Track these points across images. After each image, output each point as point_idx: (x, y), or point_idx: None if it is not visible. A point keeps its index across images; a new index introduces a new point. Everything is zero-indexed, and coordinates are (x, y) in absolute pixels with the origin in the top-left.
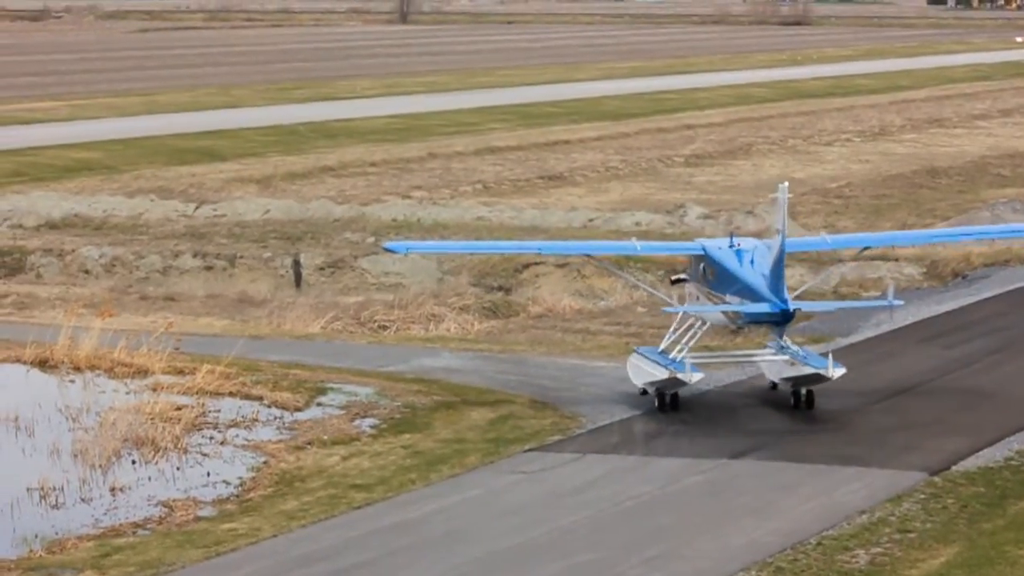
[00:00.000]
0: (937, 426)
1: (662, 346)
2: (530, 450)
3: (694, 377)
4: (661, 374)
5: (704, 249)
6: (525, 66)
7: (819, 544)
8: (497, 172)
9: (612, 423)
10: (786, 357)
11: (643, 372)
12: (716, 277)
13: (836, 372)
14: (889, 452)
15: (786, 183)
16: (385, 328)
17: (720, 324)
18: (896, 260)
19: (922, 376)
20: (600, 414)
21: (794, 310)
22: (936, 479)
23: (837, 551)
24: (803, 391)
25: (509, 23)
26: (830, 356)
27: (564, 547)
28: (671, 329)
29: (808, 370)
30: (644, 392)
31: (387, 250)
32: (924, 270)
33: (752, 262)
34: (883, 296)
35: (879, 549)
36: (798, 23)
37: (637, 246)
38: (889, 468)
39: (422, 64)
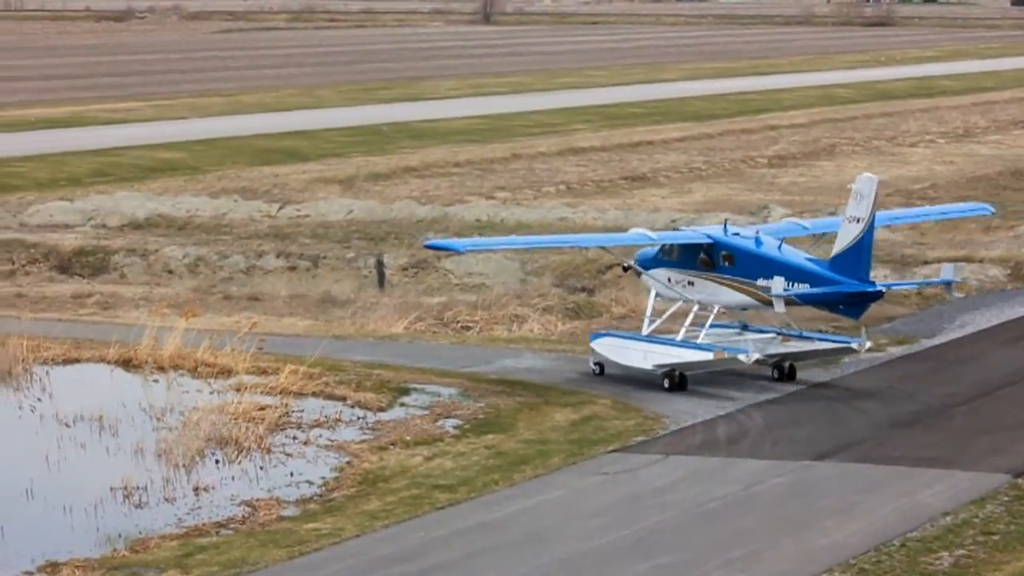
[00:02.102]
0: (1021, 429)
1: (647, 330)
2: (613, 451)
3: (753, 357)
4: (690, 356)
5: (712, 237)
6: (609, 66)
7: (903, 546)
8: (580, 173)
9: (695, 424)
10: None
11: (635, 355)
12: (738, 263)
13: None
14: (972, 454)
15: (867, 174)
16: (468, 329)
17: (730, 308)
18: (980, 262)
19: (1006, 378)
20: (683, 415)
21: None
22: (1020, 481)
23: (920, 553)
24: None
25: (593, 23)
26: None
27: (647, 548)
28: (647, 314)
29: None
30: (599, 372)
31: (429, 247)
32: (1008, 271)
33: (779, 248)
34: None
35: (963, 551)
36: (882, 24)
37: (653, 236)
38: (972, 470)
39: (506, 64)
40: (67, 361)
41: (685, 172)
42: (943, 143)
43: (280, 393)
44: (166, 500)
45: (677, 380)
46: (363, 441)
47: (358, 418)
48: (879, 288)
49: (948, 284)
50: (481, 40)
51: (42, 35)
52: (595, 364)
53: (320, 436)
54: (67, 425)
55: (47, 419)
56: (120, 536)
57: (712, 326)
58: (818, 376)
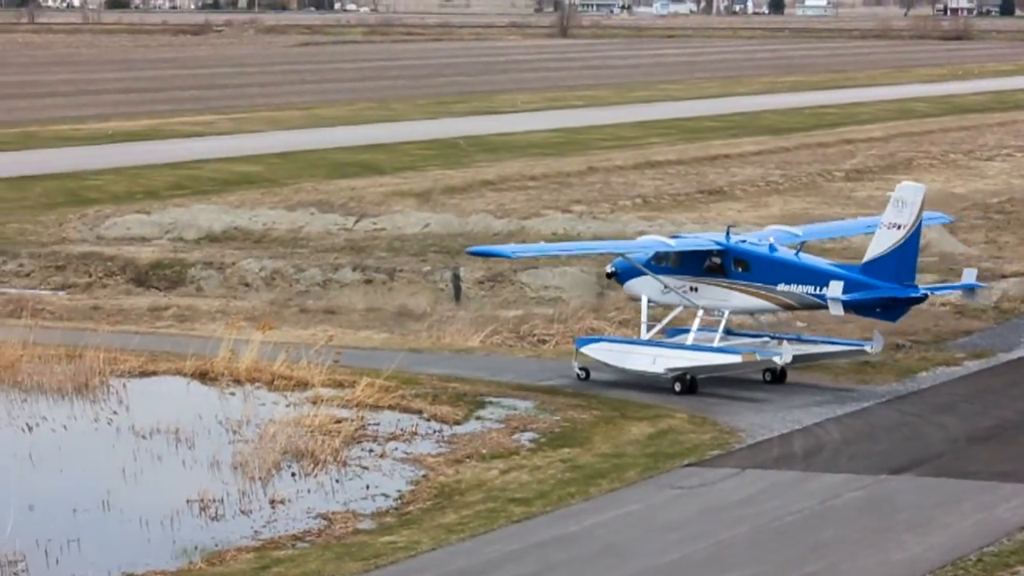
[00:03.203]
0: None
1: (648, 335)
2: (689, 465)
3: (787, 359)
4: (715, 360)
5: (724, 244)
6: (685, 80)
7: (979, 560)
8: (657, 186)
9: (771, 438)
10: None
11: (643, 359)
12: (754, 269)
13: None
14: None
15: (910, 183)
16: (544, 342)
17: (742, 313)
18: None
19: None
20: (759, 429)
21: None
22: None
23: (998, 568)
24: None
25: (668, 37)
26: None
27: (723, 562)
28: (643, 317)
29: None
30: (584, 377)
31: (471, 254)
32: None
33: (798, 254)
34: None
35: None
36: (959, 38)
37: (672, 243)
38: None
39: (582, 78)
40: (144, 374)
41: (762, 186)
42: (1020, 157)
43: (356, 406)
44: (242, 513)
45: (688, 384)
46: (439, 454)
47: (434, 431)
48: (923, 292)
49: (971, 289)
50: (557, 54)
51: (120, 49)
52: (580, 369)
53: (396, 449)
54: (143, 437)
55: (123, 431)
56: (196, 549)
57: (685, 331)
58: (895, 390)
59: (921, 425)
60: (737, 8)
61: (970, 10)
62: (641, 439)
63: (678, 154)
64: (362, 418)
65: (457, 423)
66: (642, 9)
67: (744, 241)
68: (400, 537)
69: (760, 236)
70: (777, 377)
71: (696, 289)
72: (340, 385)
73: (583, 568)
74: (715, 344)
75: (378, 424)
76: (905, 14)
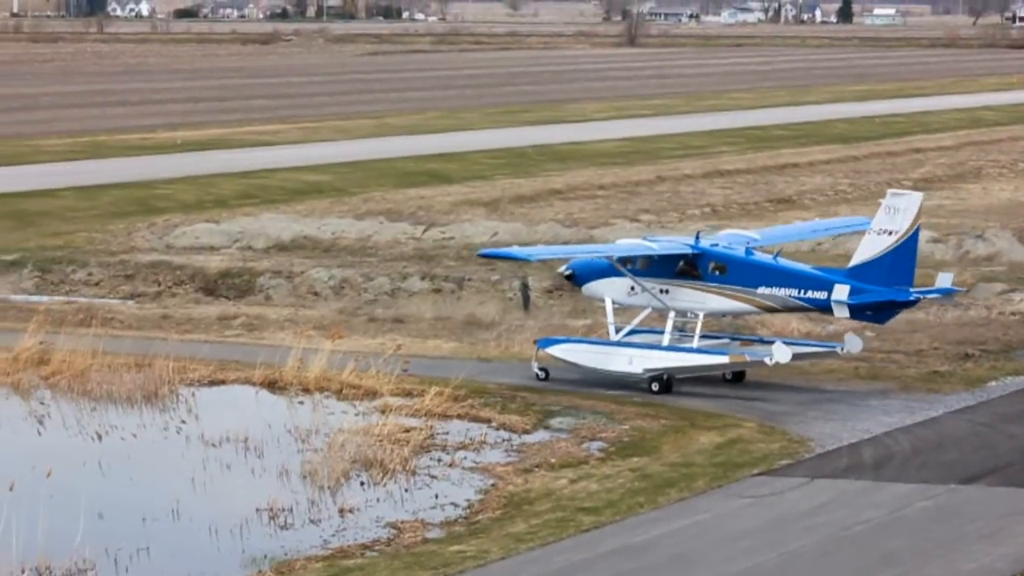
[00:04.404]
0: None
1: (619, 335)
2: (758, 474)
3: (781, 359)
4: (701, 360)
5: (700, 248)
6: (753, 89)
7: None
8: (726, 195)
9: (840, 447)
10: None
11: (619, 360)
12: (731, 272)
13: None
14: None
15: (906, 191)
16: None
17: (718, 315)
18: None
19: None
20: (828, 438)
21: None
22: None
23: None
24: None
25: (737, 46)
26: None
27: (791, 572)
28: (609, 319)
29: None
30: (544, 377)
31: (482, 256)
32: None
33: (776, 257)
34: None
35: None
36: None
37: (654, 246)
38: None
39: (650, 87)
40: (213, 382)
41: (831, 195)
42: None
43: (425, 415)
44: (311, 522)
45: (665, 383)
46: (508, 463)
47: (503, 440)
48: (916, 296)
49: (949, 293)
50: (626, 62)
51: (189, 58)
52: (540, 369)
53: (465, 458)
54: (213, 446)
55: (193, 440)
56: (266, 557)
57: (644, 331)
58: (964, 400)
59: (991, 435)
60: (805, 17)
61: None
62: (710, 448)
63: (747, 163)
64: (431, 427)
65: (526, 432)
66: (710, 18)
67: (716, 245)
68: (469, 546)
69: (716, 240)
70: (736, 376)
71: (667, 291)
72: (409, 394)
73: None
74: (695, 344)
75: (447, 433)
76: (974, 23)
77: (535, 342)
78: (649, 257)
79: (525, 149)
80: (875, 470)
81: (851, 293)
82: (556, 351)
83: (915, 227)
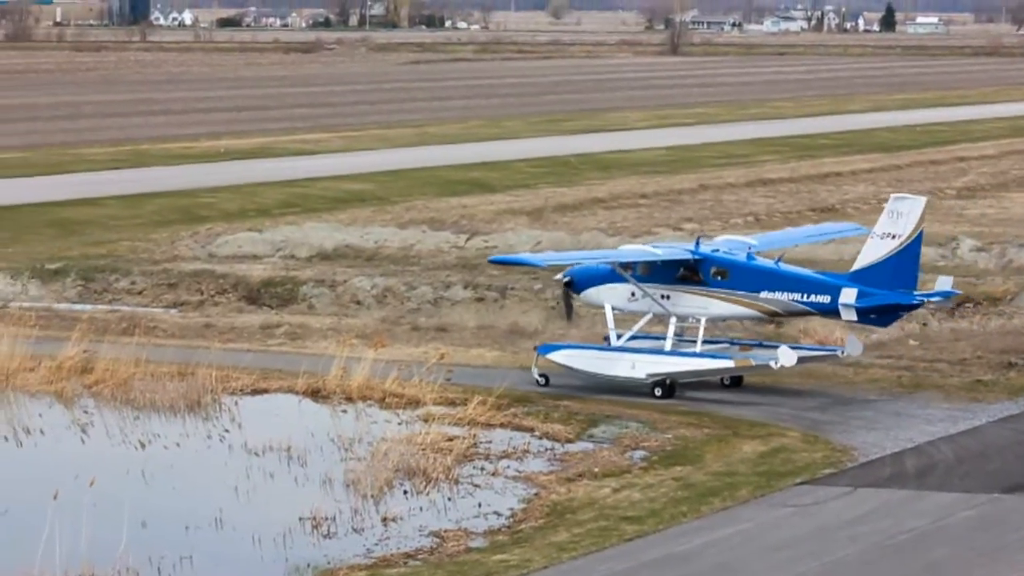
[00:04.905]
0: None
1: (620, 341)
2: (801, 483)
3: (787, 363)
4: (706, 365)
5: (702, 253)
6: (796, 97)
7: None
8: (768, 204)
9: (883, 456)
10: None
11: (622, 365)
12: (733, 277)
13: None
14: None
15: (909, 195)
16: None
17: (719, 320)
18: None
19: None
20: (871, 447)
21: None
22: None
23: None
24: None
25: (780, 54)
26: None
27: None
28: (610, 324)
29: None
30: (544, 383)
31: (492, 262)
32: None
33: (778, 262)
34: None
35: None
36: None
37: (659, 252)
38: None
39: (692, 96)
40: (256, 391)
41: (874, 203)
42: None
43: (468, 424)
44: (354, 530)
45: (668, 388)
46: (551, 472)
47: (546, 449)
48: (920, 300)
49: (948, 296)
50: (668, 71)
51: (232, 67)
52: (540, 375)
53: (508, 467)
54: (256, 455)
55: (236, 449)
56: (309, 566)
57: (642, 336)
58: (1007, 409)
59: None
60: (848, 26)
61: None
62: (753, 457)
63: (790, 172)
64: (474, 436)
65: (569, 441)
66: (753, 27)
67: (718, 251)
68: (512, 555)
69: (714, 245)
70: (734, 381)
71: (668, 297)
72: (452, 403)
73: None
74: (699, 349)
75: (490, 442)
76: (1017, 31)
77: (535, 348)
78: (649, 263)
79: (568, 158)
80: (918, 479)
81: (858, 297)
82: (558, 357)
83: (919, 231)
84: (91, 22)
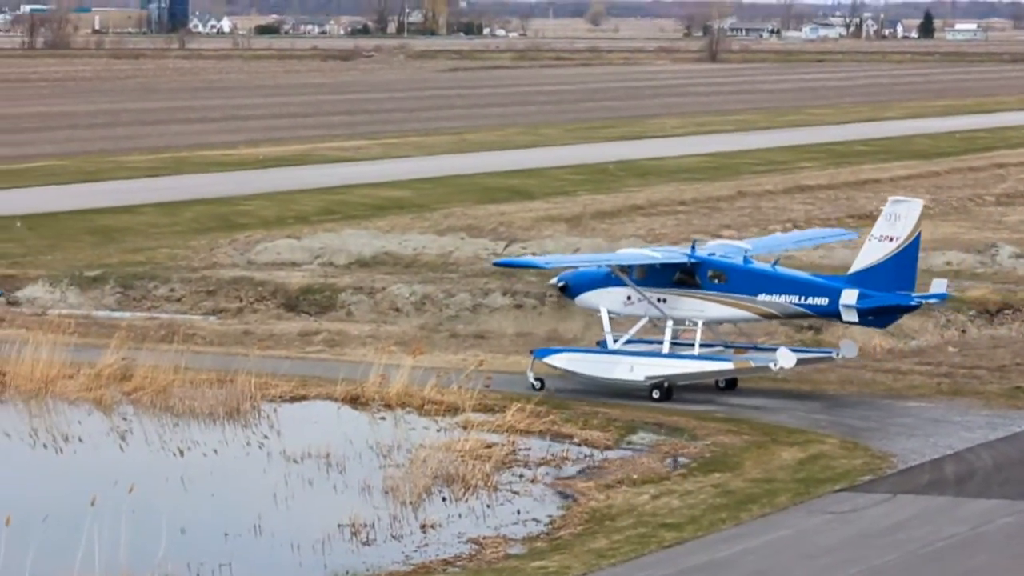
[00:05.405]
0: None
1: (617, 344)
2: (840, 490)
3: (786, 365)
4: (705, 367)
5: (698, 258)
6: (834, 104)
7: None
8: (807, 211)
9: (923, 463)
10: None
11: (620, 368)
12: (731, 280)
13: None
14: None
15: (906, 198)
16: None
17: (717, 323)
18: None
19: None
20: (911, 454)
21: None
22: None
23: None
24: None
25: (818, 61)
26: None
27: None
28: (607, 327)
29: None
30: (539, 387)
31: (497, 265)
32: None
33: (774, 266)
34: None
35: None
36: None
37: (657, 255)
38: None
39: (731, 102)
40: (294, 398)
41: None
42: None
43: (507, 431)
44: (393, 537)
45: (665, 391)
46: (589, 479)
47: (584, 456)
48: (918, 301)
49: (943, 298)
50: (706, 78)
51: (270, 74)
52: (536, 379)
53: (547, 474)
54: (295, 462)
55: (275, 456)
56: (347, 573)
57: (636, 342)
58: None
59: None
60: (887, 32)
61: None
62: (792, 464)
63: (828, 178)
64: (513, 443)
65: (608, 448)
66: (792, 33)
67: (713, 254)
68: (551, 562)
69: (709, 249)
70: (729, 383)
71: (665, 300)
72: (490, 410)
73: None
74: (696, 352)
75: (529, 449)
76: None
77: (531, 352)
78: (646, 266)
79: (606, 165)
80: (957, 486)
81: (858, 298)
82: (556, 360)
83: (916, 233)
84: (129, 30)
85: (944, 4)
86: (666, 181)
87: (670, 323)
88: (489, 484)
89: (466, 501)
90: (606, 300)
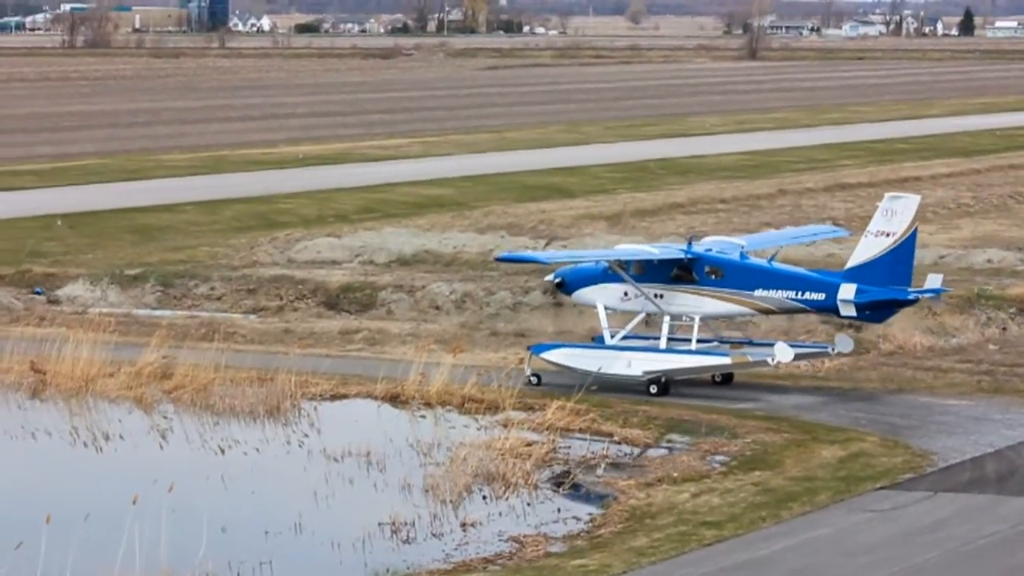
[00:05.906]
0: None
1: (615, 339)
2: (881, 488)
3: (784, 360)
4: (703, 362)
5: (695, 253)
6: (875, 102)
7: None
8: (848, 209)
9: (963, 461)
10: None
11: (618, 363)
12: (728, 276)
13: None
14: None
15: (903, 194)
16: None
17: (713, 318)
18: None
19: None
20: (951, 452)
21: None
22: None
23: None
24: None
25: (858, 59)
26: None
27: None
28: (604, 323)
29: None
30: (536, 382)
31: (499, 260)
32: None
33: (771, 261)
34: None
35: None
36: None
37: (655, 251)
38: None
39: (771, 100)
40: (335, 397)
41: (953, 208)
42: None
43: (547, 429)
44: (433, 536)
45: (663, 386)
46: (630, 477)
47: (625, 454)
48: (915, 296)
49: (937, 294)
50: (746, 76)
51: (310, 72)
52: (532, 375)
53: (587, 472)
54: (335, 460)
55: (315, 454)
56: (388, 571)
57: (632, 337)
58: None
59: None
60: (927, 30)
61: None
62: (832, 462)
63: (869, 176)
64: (553, 441)
65: (648, 446)
66: (832, 31)
67: (710, 250)
68: (591, 560)
69: (705, 246)
70: (725, 378)
71: (662, 296)
72: (531, 408)
73: None
74: (693, 347)
75: (569, 447)
76: None
77: (528, 348)
78: (643, 262)
79: (646, 163)
80: (998, 484)
81: (856, 293)
82: (553, 356)
83: (912, 229)
84: (170, 28)
85: (984, 1)
86: (706, 179)
87: (667, 318)
88: (529, 482)
89: (506, 499)
90: (603, 296)
